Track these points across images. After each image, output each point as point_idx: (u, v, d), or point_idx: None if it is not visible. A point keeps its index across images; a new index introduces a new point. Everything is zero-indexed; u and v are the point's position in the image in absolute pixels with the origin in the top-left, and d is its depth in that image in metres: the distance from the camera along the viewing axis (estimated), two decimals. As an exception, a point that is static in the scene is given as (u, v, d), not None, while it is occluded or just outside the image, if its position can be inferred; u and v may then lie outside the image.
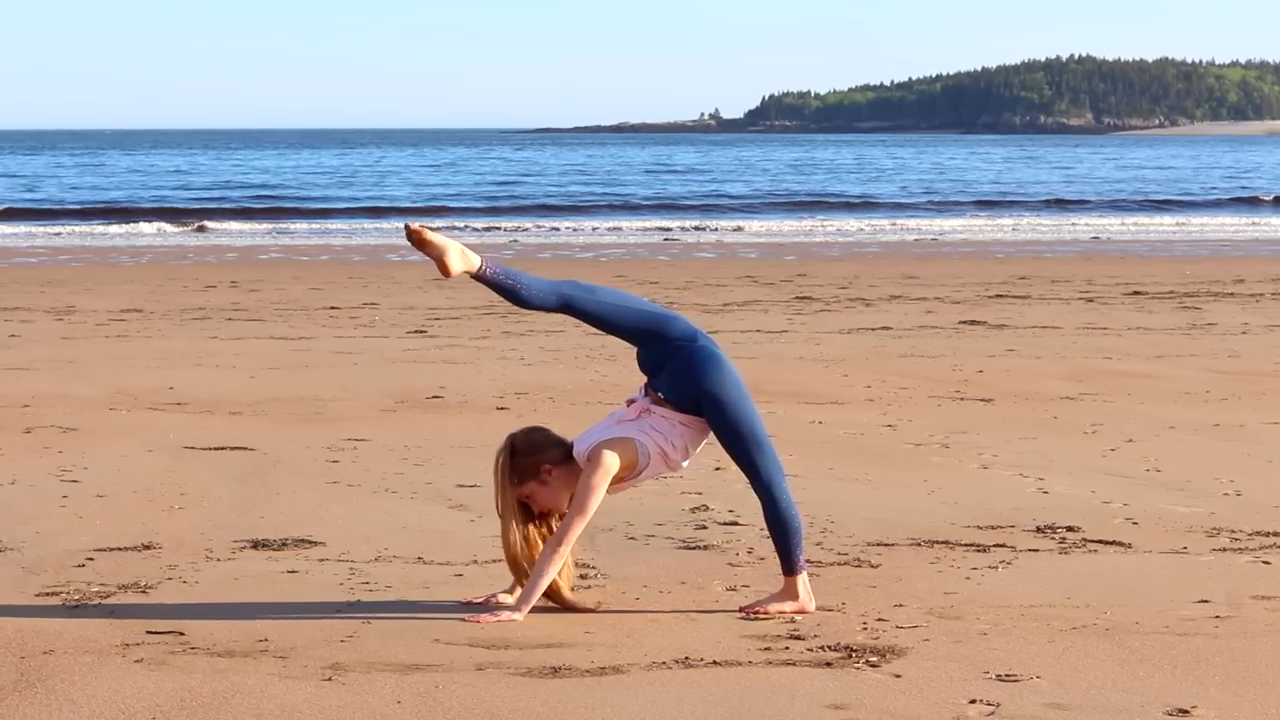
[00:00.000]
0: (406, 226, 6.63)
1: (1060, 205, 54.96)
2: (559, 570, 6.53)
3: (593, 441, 6.57)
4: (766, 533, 6.73)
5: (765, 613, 6.56)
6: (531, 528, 6.63)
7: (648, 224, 43.74)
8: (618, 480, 6.58)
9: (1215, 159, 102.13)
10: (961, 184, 68.05)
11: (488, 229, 41.76)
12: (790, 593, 6.61)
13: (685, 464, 6.70)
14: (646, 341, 6.61)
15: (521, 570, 6.59)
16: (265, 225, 42.38)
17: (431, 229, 6.55)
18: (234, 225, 42.22)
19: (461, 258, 6.48)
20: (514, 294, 6.49)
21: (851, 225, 43.90)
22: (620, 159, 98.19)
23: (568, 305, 6.57)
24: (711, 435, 6.66)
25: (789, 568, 6.62)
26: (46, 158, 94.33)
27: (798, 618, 6.49)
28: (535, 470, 6.58)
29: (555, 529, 6.60)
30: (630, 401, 6.69)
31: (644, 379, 6.70)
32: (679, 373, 6.54)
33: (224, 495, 8.99)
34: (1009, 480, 9.50)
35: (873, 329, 18.00)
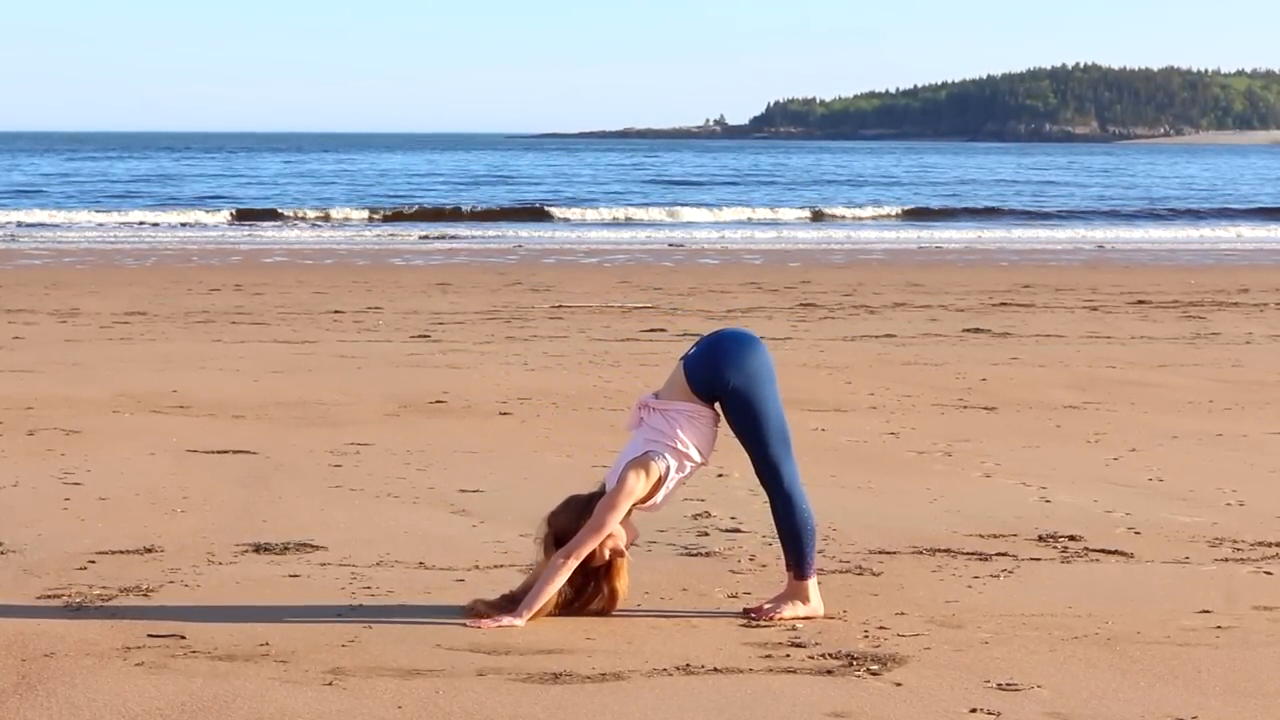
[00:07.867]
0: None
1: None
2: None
3: (617, 468, 6.59)
4: (771, 539, 6.71)
5: (776, 618, 6.52)
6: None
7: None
8: (651, 493, 6.55)
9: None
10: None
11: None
12: (802, 596, 6.58)
13: (706, 457, 6.61)
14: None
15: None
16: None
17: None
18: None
19: None
20: None
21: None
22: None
23: None
24: (722, 426, 6.61)
25: (803, 571, 6.58)
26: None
27: (799, 625, 6.47)
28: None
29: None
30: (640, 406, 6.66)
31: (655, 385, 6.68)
32: (710, 352, 6.53)
33: (226, 499, 8.99)
34: (1011, 489, 9.49)
35: (876, 336, 17.99)
